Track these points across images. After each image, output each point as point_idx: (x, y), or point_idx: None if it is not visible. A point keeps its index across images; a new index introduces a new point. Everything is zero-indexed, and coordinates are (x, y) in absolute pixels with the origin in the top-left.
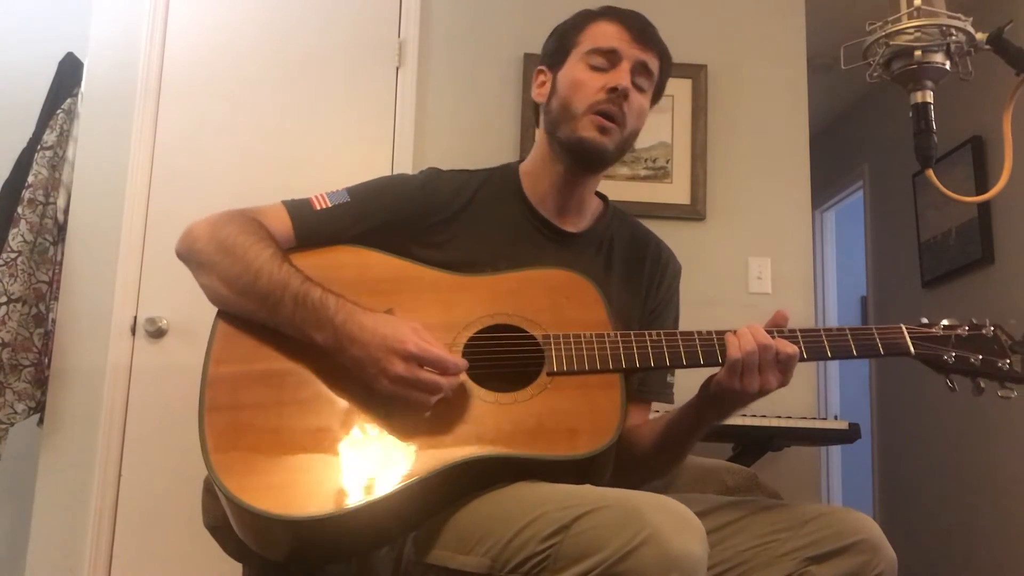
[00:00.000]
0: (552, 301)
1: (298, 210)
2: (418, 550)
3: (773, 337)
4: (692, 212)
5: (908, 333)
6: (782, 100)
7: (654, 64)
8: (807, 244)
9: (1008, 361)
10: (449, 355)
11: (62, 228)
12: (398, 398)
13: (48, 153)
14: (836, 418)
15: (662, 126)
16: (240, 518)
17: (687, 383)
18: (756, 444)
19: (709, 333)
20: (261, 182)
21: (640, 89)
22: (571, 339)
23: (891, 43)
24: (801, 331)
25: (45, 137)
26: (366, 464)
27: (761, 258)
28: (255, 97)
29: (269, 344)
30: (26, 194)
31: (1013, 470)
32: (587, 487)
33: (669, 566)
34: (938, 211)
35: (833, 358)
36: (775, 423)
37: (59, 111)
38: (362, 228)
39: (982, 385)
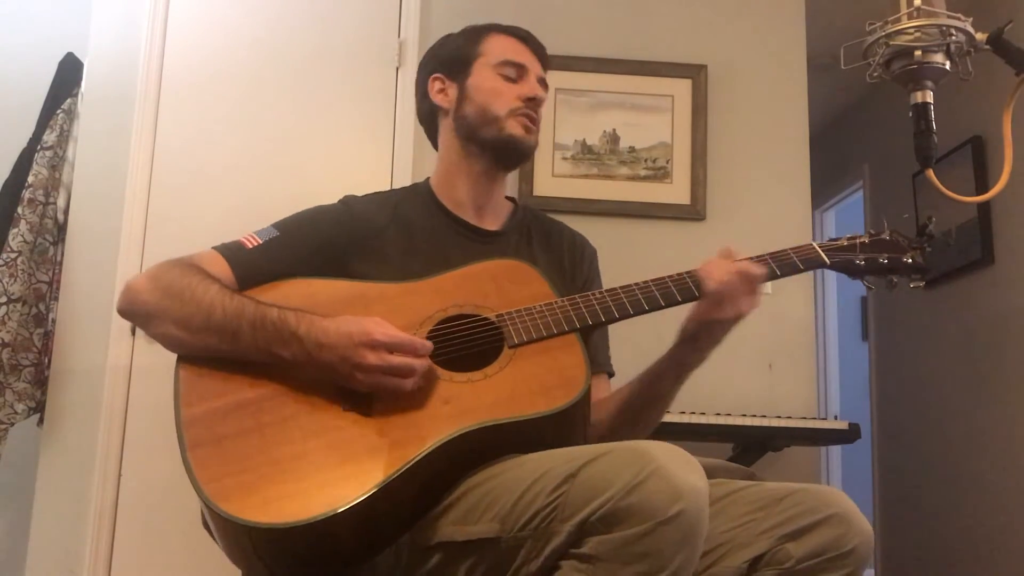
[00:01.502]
0: (496, 286)
1: (231, 252)
2: (422, 533)
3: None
4: (692, 212)
5: (820, 248)
6: (782, 100)
7: (545, 75)
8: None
9: (910, 256)
10: (414, 337)
11: (62, 228)
12: (376, 388)
13: (48, 153)
14: (836, 418)
15: (662, 126)
16: (244, 539)
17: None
18: (756, 444)
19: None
20: (261, 181)
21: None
22: (524, 312)
23: (891, 43)
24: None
25: (45, 137)
26: (361, 460)
27: None
28: (255, 97)
29: (235, 376)
30: (26, 194)
31: (1013, 470)
32: (587, 446)
33: (676, 495)
34: (938, 211)
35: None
36: (775, 423)
37: (59, 111)
38: (296, 258)
39: (894, 280)
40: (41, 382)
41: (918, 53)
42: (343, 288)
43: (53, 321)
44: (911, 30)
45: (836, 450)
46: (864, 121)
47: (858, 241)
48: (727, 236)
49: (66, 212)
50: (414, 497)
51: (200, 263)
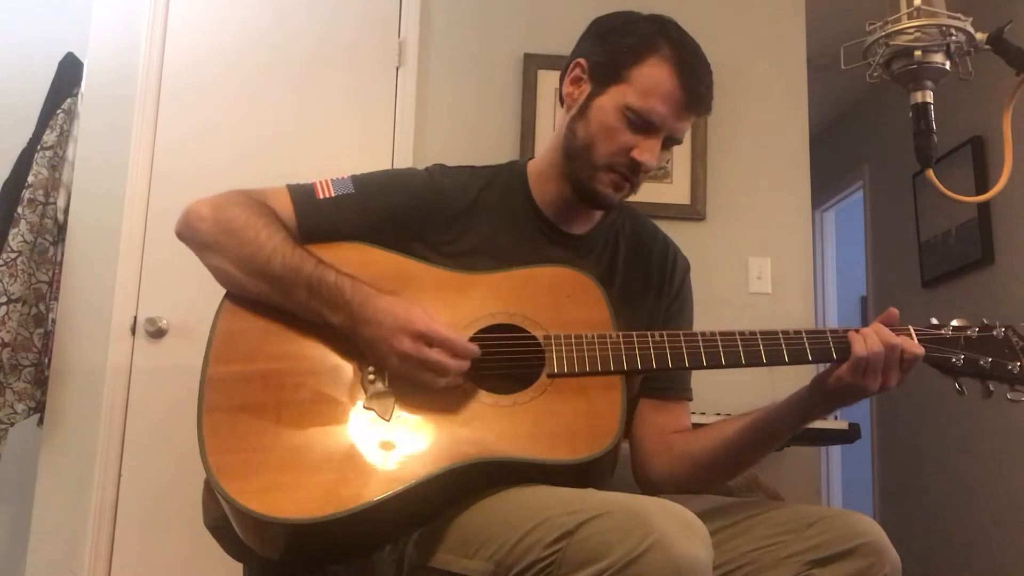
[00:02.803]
0: (554, 300)
1: (302, 197)
2: (420, 553)
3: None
4: (692, 212)
5: (916, 335)
6: (782, 100)
7: (689, 126)
8: (807, 244)
9: (1019, 363)
10: (458, 338)
11: (62, 228)
12: (407, 377)
13: (48, 153)
14: (836, 418)
15: None
16: (241, 521)
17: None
18: None
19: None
20: (261, 181)
21: (664, 148)
22: (572, 340)
23: (891, 43)
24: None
25: (45, 137)
26: (365, 467)
27: (761, 258)
28: (255, 97)
29: (270, 344)
30: (26, 194)
31: (1013, 470)
32: (591, 491)
33: (676, 572)
34: (938, 211)
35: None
36: None
37: (59, 111)
38: (365, 222)
39: (991, 388)
40: (41, 382)
41: (918, 53)
42: (400, 264)
43: (53, 321)
44: (911, 30)
45: (836, 450)
46: (864, 121)
47: (964, 335)
48: (727, 236)
49: (66, 212)
50: (411, 513)
51: (268, 200)
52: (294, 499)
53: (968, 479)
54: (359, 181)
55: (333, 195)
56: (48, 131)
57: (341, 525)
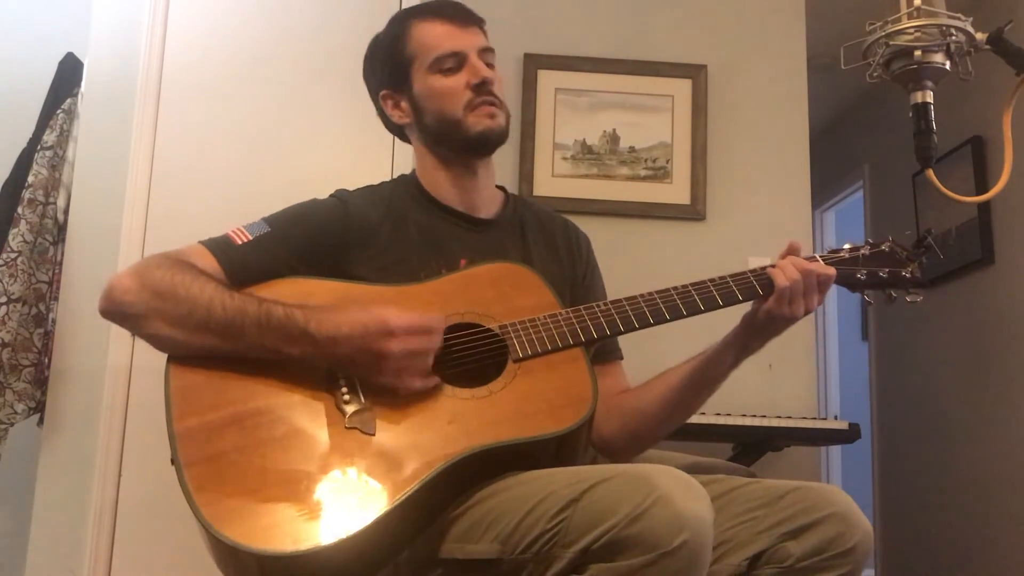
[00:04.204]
0: (498, 292)
1: (221, 247)
2: (425, 547)
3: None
4: (692, 212)
5: (822, 260)
6: (782, 100)
7: (485, 37)
8: (807, 244)
9: (909, 269)
10: (425, 316)
11: (62, 228)
12: (400, 374)
13: (48, 153)
14: (836, 418)
15: (662, 126)
16: (249, 565)
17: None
18: (756, 444)
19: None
20: (261, 181)
21: (491, 66)
22: (528, 324)
23: (891, 43)
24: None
25: (45, 137)
26: (362, 484)
27: (761, 258)
28: (255, 97)
29: (230, 388)
30: (26, 194)
31: (1013, 470)
32: (589, 467)
33: (680, 525)
34: (938, 211)
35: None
36: (775, 423)
37: (59, 111)
38: (291, 256)
39: (893, 295)
40: (41, 382)
41: (918, 53)
42: (338, 289)
43: (53, 321)
44: (911, 30)
45: (836, 450)
46: (864, 121)
47: (860, 253)
48: (727, 236)
49: (66, 212)
50: (416, 519)
51: (188, 258)
52: (301, 531)
53: (968, 479)
54: (272, 220)
55: (251, 238)
56: (48, 131)
57: (355, 544)
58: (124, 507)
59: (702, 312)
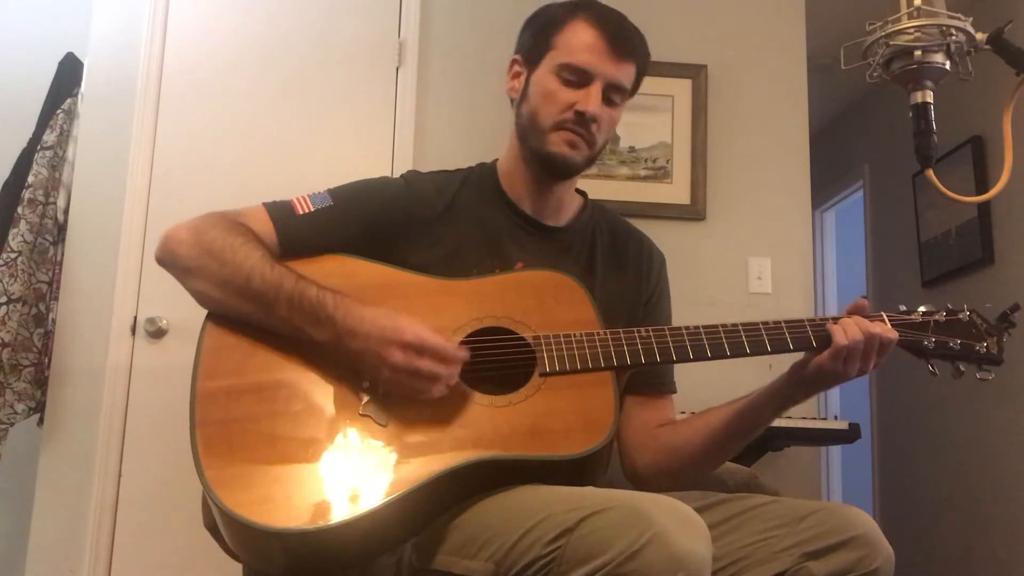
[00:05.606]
0: (539, 301)
1: (280, 214)
2: (420, 555)
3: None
4: (692, 212)
5: (889, 321)
6: (782, 100)
7: (628, 76)
8: (807, 244)
9: (985, 344)
10: (447, 344)
11: (62, 228)
12: (398, 388)
13: (48, 153)
14: (836, 418)
15: (662, 126)
16: (239, 533)
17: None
18: (756, 444)
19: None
20: (261, 181)
21: (612, 103)
22: (561, 339)
23: (891, 43)
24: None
25: (45, 137)
26: (364, 473)
27: (761, 258)
28: (255, 97)
29: (259, 356)
30: (26, 194)
31: (1013, 470)
32: (590, 489)
33: (675, 566)
34: (938, 211)
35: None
36: (775, 423)
37: (59, 111)
38: (346, 232)
39: (961, 368)
40: (41, 382)
41: (918, 53)
42: (384, 274)
43: (53, 321)
44: (911, 30)
45: (836, 450)
46: (864, 121)
47: (932, 319)
48: (727, 236)
49: (66, 212)
50: (412, 515)
51: (246, 220)
52: (294, 509)
53: (968, 479)
54: (336, 193)
55: (312, 209)
56: (48, 131)
57: (343, 532)
58: (124, 507)
59: (747, 356)
